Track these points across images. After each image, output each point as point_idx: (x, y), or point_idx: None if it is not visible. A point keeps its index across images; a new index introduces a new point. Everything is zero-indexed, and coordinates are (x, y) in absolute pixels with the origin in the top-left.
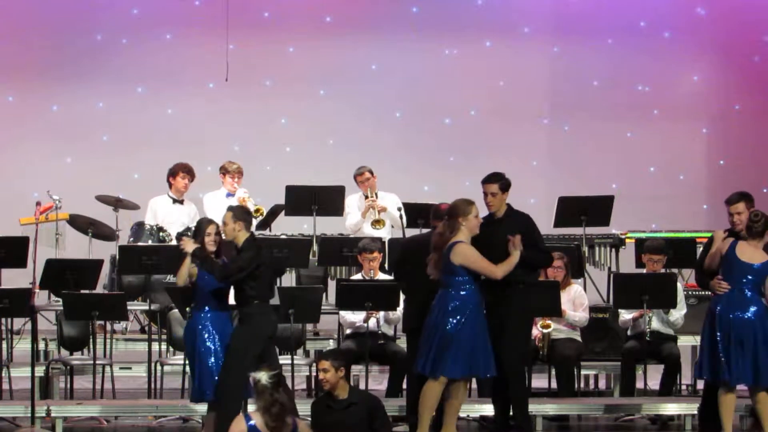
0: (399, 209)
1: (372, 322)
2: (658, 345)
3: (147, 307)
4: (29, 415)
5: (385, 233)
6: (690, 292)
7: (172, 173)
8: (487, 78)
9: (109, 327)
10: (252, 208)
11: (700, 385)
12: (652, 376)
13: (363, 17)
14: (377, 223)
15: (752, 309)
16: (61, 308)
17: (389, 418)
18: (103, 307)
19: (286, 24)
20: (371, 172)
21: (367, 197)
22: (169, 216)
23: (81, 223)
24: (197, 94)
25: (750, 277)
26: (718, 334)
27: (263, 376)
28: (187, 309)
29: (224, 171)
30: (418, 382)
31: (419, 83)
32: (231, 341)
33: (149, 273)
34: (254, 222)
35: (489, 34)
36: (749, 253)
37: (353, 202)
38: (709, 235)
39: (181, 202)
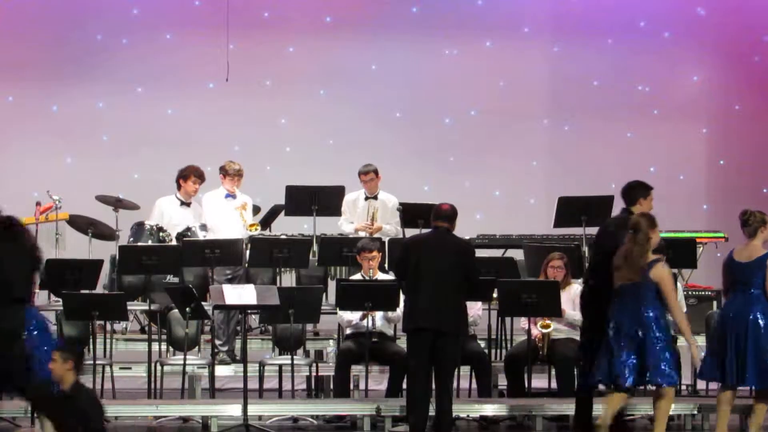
0: (399, 209)
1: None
2: None
3: (147, 307)
4: (29, 415)
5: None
6: (690, 292)
7: (184, 176)
8: (487, 78)
9: (109, 327)
10: (249, 221)
11: (701, 385)
12: None
13: (363, 17)
14: None
15: (756, 309)
16: (61, 308)
17: (103, 419)
18: (103, 307)
19: (286, 24)
20: (376, 173)
21: (367, 198)
22: (174, 218)
23: (81, 223)
24: (197, 94)
25: (742, 277)
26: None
27: None
28: (187, 309)
29: (224, 172)
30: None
31: (419, 83)
32: None
33: (149, 273)
34: (250, 233)
35: (489, 34)
36: (746, 253)
37: (349, 204)
38: (709, 235)
39: (188, 204)
